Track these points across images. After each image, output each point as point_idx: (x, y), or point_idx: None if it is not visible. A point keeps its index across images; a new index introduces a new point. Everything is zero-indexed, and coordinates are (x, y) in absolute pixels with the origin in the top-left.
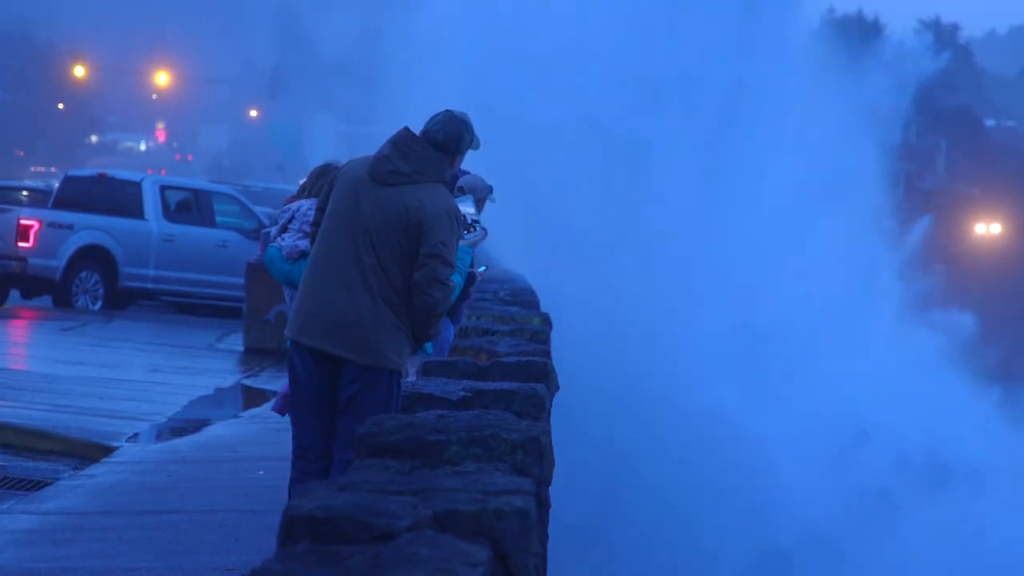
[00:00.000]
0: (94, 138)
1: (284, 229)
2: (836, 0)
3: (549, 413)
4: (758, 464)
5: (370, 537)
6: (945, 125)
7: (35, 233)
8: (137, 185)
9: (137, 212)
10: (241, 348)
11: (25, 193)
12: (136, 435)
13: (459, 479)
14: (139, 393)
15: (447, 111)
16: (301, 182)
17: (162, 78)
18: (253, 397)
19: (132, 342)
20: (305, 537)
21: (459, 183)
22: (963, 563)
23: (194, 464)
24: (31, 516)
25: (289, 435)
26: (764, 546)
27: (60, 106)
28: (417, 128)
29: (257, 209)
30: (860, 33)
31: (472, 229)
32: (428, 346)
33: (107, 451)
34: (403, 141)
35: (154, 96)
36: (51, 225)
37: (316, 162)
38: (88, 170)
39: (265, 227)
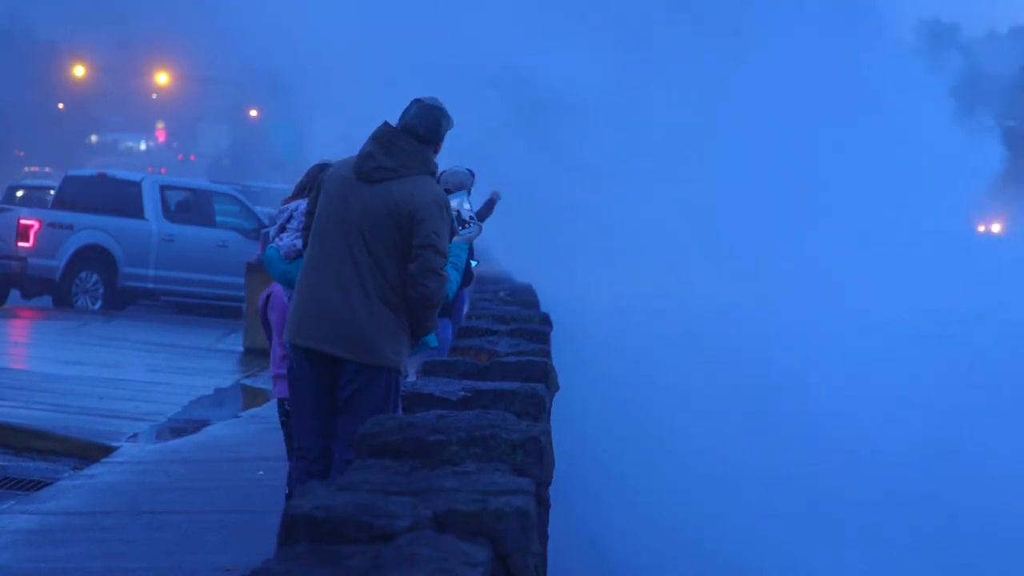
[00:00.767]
0: (94, 138)
1: (283, 229)
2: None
3: (549, 413)
4: (759, 463)
5: (370, 537)
6: None
7: (35, 233)
8: (137, 185)
9: (137, 212)
10: (241, 348)
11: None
12: (136, 435)
13: (459, 479)
14: (139, 393)
15: (417, 101)
16: (299, 181)
17: (162, 78)
18: (253, 397)
19: (132, 342)
20: (305, 537)
21: (441, 183)
22: None
23: (194, 464)
24: (31, 516)
25: None
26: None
27: (60, 106)
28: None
29: (257, 209)
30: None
31: (467, 225)
32: (432, 339)
33: (107, 451)
34: (385, 136)
35: (154, 96)
36: (51, 225)
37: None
38: (88, 170)
39: (265, 227)
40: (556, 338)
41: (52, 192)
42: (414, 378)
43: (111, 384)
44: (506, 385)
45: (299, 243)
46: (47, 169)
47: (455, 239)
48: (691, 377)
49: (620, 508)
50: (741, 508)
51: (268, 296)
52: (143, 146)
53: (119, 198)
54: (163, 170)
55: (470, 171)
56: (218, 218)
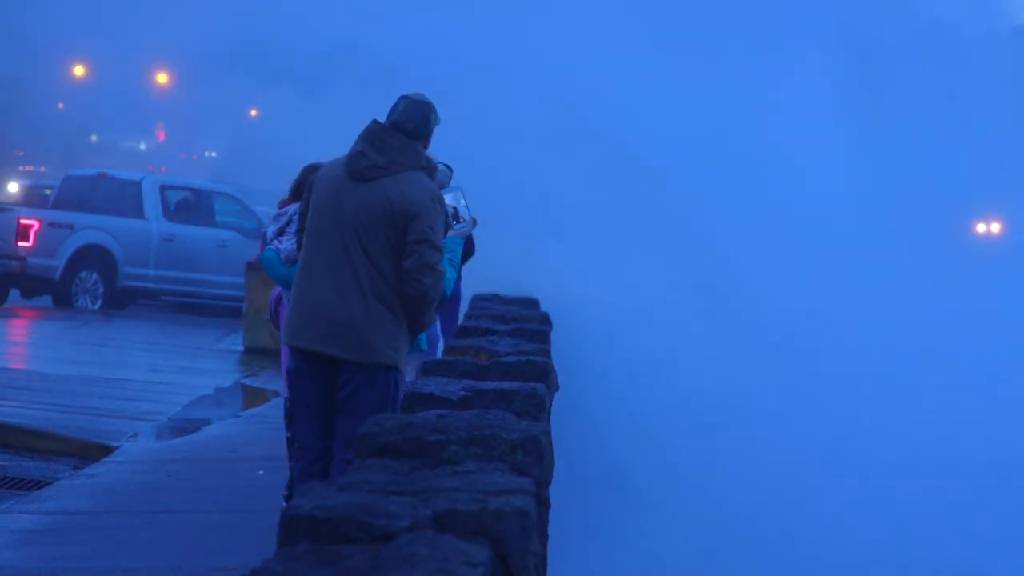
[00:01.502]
0: (94, 138)
1: (282, 232)
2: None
3: (549, 413)
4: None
5: (370, 537)
6: None
7: (35, 233)
8: (137, 185)
9: (137, 212)
10: (241, 348)
11: None
12: (136, 435)
13: (459, 479)
14: (139, 393)
15: (405, 97)
16: (293, 182)
17: (162, 78)
18: (253, 397)
19: (132, 342)
20: (305, 537)
21: None
22: None
23: (194, 464)
24: (31, 516)
25: None
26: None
27: (60, 106)
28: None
29: (257, 209)
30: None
31: (461, 220)
32: (423, 342)
33: (107, 451)
34: (374, 134)
35: (154, 96)
36: (51, 225)
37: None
38: (88, 170)
39: (265, 227)
40: (556, 338)
41: (48, 192)
42: (411, 377)
43: (111, 384)
44: (506, 385)
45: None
46: (42, 169)
47: (449, 234)
48: (691, 377)
49: (620, 508)
50: (742, 508)
51: (280, 295)
52: (143, 146)
53: (119, 198)
54: (163, 169)
55: (448, 166)
56: (218, 218)
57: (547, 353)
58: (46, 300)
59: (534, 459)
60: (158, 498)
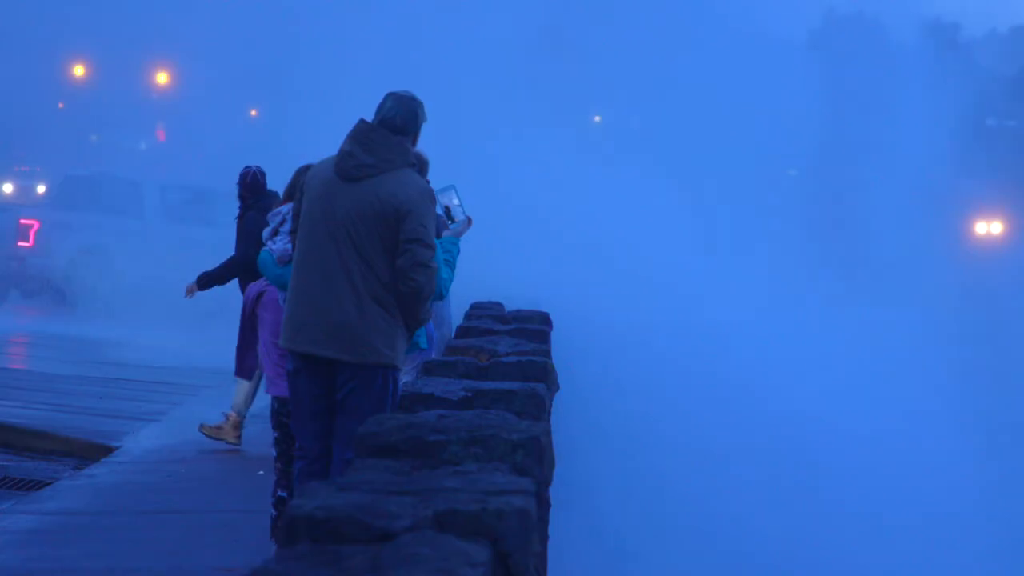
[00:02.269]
0: (94, 138)
1: (275, 233)
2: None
3: (549, 413)
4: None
5: (370, 537)
6: None
7: (35, 233)
8: (137, 185)
9: (137, 212)
10: None
11: None
12: (136, 435)
13: (459, 479)
14: (139, 393)
15: (392, 95)
16: (287, 183)
17: (162, 78)
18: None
19: (132, 342)
20: (305, 537)
21: None
22: None
23: (194, 464)
24: (31, 516)
25: None
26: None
27: (60, 106)
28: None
29: None
30: (862, 33)
31: (454, 220)
32: (422, 340)
33: (107, 451)
34: (362, 133)
35: (154, 96)
36: (51, 225)
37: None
38: (88, 170)
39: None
40: (556, 338)
41: (41, 189)
42: (409, 377)
43: (111, 384)
44: (506, 385)
45: (291, 247)
46: (38, 168)
47: (445, 234)
48: (691, 377)
49: (620, 508)
50: (742, 508)
51: (260, 294)
52: (143, 146)
53: (119, 198)
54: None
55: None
56: (218, 218)
57: (547, 353)
58: (46, 300)
59: (534, 459)
60: (158, 498)
